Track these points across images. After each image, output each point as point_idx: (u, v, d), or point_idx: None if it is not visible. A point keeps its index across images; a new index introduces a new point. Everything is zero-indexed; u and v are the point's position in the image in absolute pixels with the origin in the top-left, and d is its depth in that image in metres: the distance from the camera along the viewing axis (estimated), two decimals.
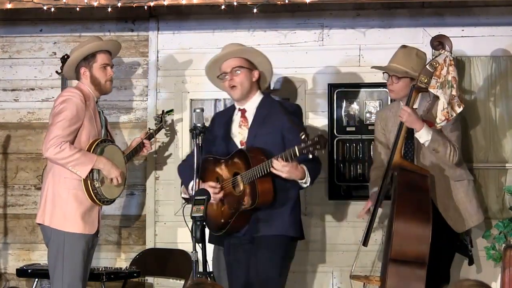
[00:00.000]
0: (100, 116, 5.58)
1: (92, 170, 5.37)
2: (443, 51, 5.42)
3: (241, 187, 5.28)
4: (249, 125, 5.40)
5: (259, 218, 5.31)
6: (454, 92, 5.37)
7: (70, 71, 5.65)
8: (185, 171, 5.54)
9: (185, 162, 5.70)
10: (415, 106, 5.63)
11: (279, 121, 5.34)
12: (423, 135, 5.43)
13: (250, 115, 5.44)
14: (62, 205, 5.39)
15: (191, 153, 5.68)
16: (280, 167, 5.09)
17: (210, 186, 5.30)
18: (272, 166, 5.09)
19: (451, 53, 5.42)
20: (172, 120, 6.56)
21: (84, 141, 5.42)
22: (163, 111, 6.42)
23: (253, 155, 5.22)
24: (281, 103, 5.51)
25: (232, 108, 5.57)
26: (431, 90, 5.40)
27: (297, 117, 5.45)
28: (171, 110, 6.44)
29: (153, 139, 6.16)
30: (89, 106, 5.48)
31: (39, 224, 5.52)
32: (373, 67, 5.93)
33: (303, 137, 5.06)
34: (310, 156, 5.03)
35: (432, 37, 5.53)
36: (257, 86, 5.49)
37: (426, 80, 5.39)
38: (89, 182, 5.37)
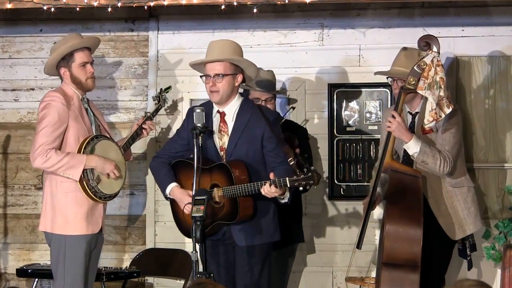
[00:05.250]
0: (88, 113, 5.54)
1: (85, 171, 5.34)
2: (431, 51, 5.34)
3: (219, 200, 5.23)
4: (229, 132, 5.30)
5: (239, 226, 5.25)
6: (442, 93, 5.30)
7: (51, 71, 5.62)
8: (160, 172, 5.45)
9: (158, 159, 5.53)
10: (417, 110, 5.62)
11: (260, 128, 5.25)
12: (412, 147, 5.38)
13: (229, 120, 5.32)
14: (62, 210, 5.36)
15: (164, 148, 5.59)
16: (268, 192, 5.04)
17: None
18: (260, 190, 5.04)
19: (439, 53, 5.36)
20: (173, 114, 6.56)
21: (73, 142, 5.37)
22: (161, 89, 6.37)
23: (237, 174, 5.16)
24: (262, 109, 5.42)
25: (211, 105, 5.38)
26: (419, 91, 5.33)
27: (276, 127, 5.37)
28: (169, 87, 6.40)
29: (151, 121, 6.02)
30: (73, 105, 5.41)
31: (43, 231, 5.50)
32: (376, 72, 5.89)
33: (291, 163, 5.05)
34: (301, 188, 4.99)
35: (419, 38, 5.42)
36: (237, 89, 5.38)
37: (414, 82, 5.33)
38: (85, 183, 5.34)
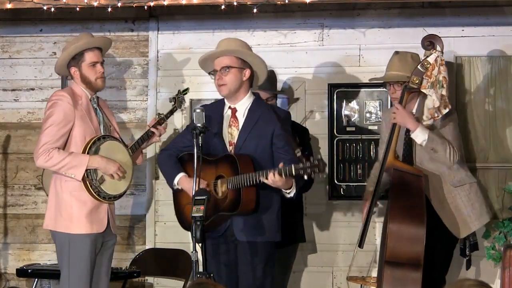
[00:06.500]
0: (96, 113, 5.54)
1: (88, 171, 5.35)
2: (434, 51, 5.37)
3: (223, 191, 5.23)
4: (240, 127, 5.32)
5: (241, 221, 5.24)
6: (444, 92, 5.34)
7: (62, 71, 5.63)
8: (167, 163, 5.46)
9: (166, 151, 5.54)
10: (413, 110, 5.63)
11: (270, 126, 5.25)
12: (419, 135, 5.39)
13: (241, 116, 5.34)
14: (66, 208, 5.37)
15: (172, 142, 5.60)
16: (272, 182, 5.03)
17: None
18: (266, 179, 5.03)
19: (442, 53, 5.39)
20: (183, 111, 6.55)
21: (79, 141, 5.38)
22: (179, 90, 6.27)
23: (242, 165, 5.15)
24: (273, 107, 5.40)
25: (222, 103, 5.42)
26: (422, 90, 5.36)
27: (286, 125, 5.36)
28: (187, 89, 6.32)
29: (164, 123, 5.90)
30: (81, 105, 5.42)
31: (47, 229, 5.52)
32: (371, 79, 5.92)
33: (298, 154, 5.04)
34: (306, 177, 4.97)
35: (423, 37, 5.47)
36: (248, 85, 5.36)
37: (417, 81, 5.36)
38: (88, 182, 5.35)
